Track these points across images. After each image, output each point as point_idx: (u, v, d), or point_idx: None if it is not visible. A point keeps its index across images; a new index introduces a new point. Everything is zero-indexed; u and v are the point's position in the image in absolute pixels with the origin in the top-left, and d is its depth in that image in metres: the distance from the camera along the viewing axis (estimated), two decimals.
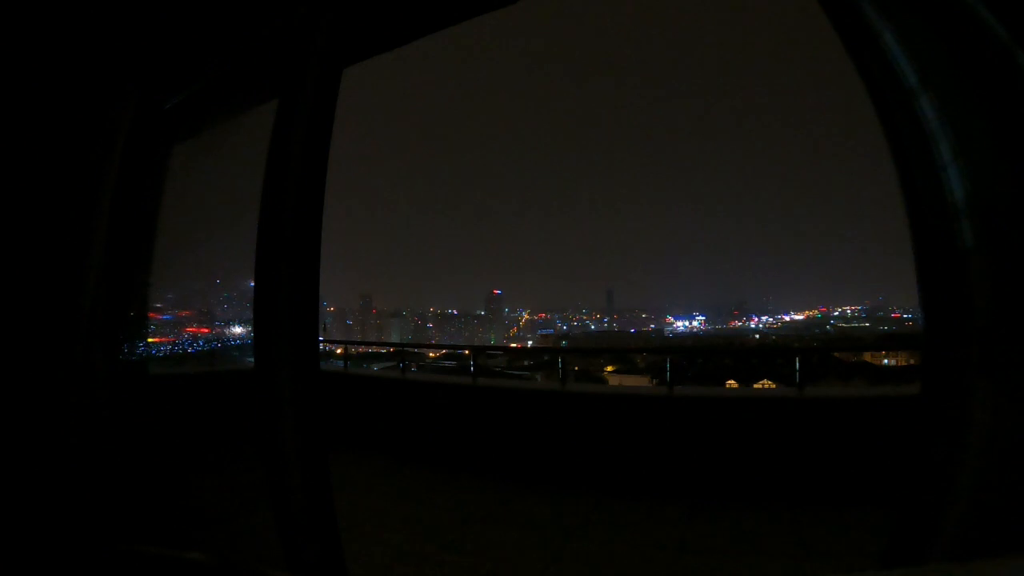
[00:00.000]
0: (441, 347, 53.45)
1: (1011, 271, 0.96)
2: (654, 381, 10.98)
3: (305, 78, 1.82)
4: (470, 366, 6.15)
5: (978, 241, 1.00)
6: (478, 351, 6.38)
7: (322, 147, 1.78)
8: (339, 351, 9.22)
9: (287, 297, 1.61)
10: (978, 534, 0.94)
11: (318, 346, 1.81)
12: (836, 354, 21.79)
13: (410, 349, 17.57)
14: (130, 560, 1.64)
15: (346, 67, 2.13)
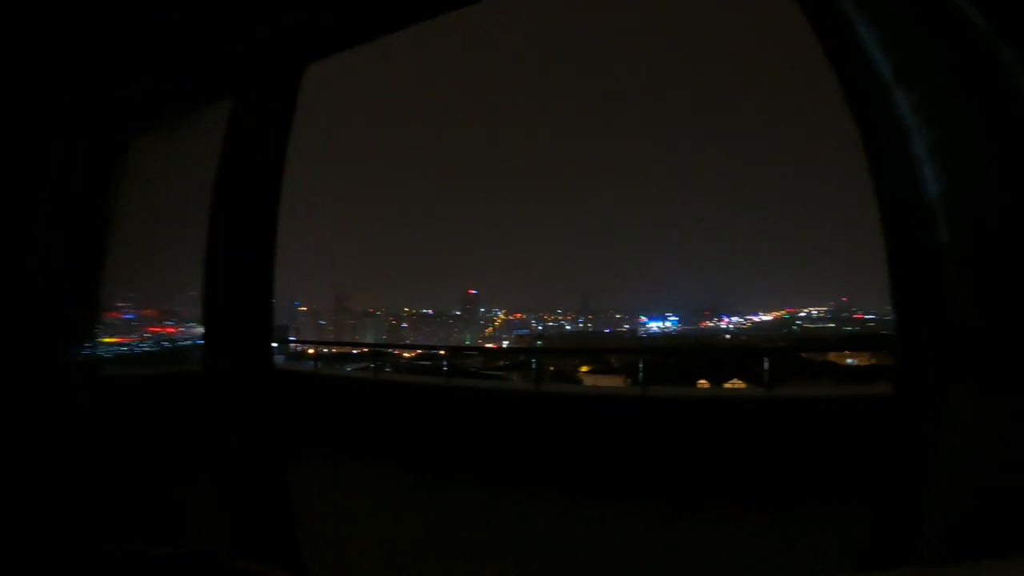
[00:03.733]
0: (416, 347, 52.80)
1: (987, 269, 0.95)
2: (628, 381, 11.04)
3: (261, 76, 1.74)
4: (445, 366, 6.09)
5: (954, 239, 0.98)
6: (453, 351, 6.35)
7: (279, 145, 1.71)
8: (311, 352, 9.06)
9: (238, 298, 1.53)
10: (956, 537, 0.93)
11: (271, 346, 1.74)
12: (804, 354, 22.27)
13: (384, 350, 17.37)
14: (98, 558, 1.57)
15: (308, 64, 2.05)
